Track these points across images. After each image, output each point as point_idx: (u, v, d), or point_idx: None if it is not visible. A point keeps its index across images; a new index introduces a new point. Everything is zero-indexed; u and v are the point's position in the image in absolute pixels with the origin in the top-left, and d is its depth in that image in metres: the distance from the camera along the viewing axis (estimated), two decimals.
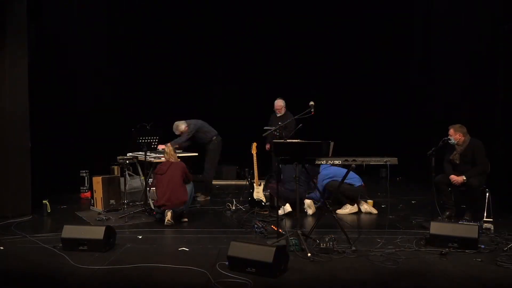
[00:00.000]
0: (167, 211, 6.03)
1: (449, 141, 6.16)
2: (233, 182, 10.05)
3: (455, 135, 6.18)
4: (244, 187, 7.67)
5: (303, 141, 5.83)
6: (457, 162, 6.23)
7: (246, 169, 10.56)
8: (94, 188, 7.10)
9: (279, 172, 5.76)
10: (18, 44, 6.51)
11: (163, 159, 6.81)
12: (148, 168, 6.93)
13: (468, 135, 6.21)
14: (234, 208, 7.05)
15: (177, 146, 7.17)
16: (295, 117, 5.99)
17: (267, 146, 8.16)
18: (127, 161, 6.92)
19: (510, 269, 4.37)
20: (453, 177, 6.10)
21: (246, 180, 7.27)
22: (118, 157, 6.92)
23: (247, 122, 10.35)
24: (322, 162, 5.34)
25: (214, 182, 10.03)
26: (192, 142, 7.90)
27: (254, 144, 7.20)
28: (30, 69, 6.70)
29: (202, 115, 10.95)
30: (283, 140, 5.65)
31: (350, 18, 10.90)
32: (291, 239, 4.88)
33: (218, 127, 11.14)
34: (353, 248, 4.90)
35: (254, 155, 7.15)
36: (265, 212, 6.73)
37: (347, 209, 6.84)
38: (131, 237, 5.46)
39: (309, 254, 4.62)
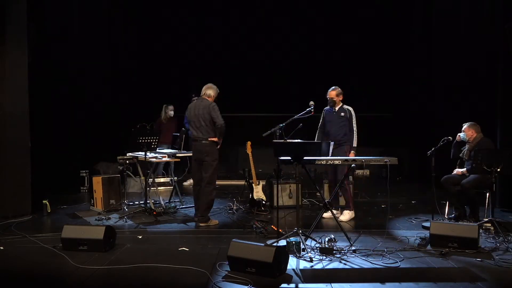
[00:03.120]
0: None
1: (461, 137, 6.16)
2: (233, 182, 10.05)
3: (468, 131, 6.15)
4: (242, 187, 7.66)
5: (303, 141, 5.83)
6: (466, 158, 6.16)
7: (246, 169, 10.57)
8: (94, 188, 7.10)
9: (279, 172, 5.75)
10: (18, 44, 6.51)
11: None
12: (148, 168, 6.93)
13: (481, 134, 6.18)
14: (234, 208, 7.05)
15: None
16: (295, 117, 5.98)
17: None
18: (127, 161, 6.91)
19: (510, 269, 4.37)
20: (457, 171, 6.16)
21: (245, 180, 7.25)
22: (118, 157, 6.92)
23: (246, 121, 10.39)
24: (322, 162, 5.34)
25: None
26: None
27: (249, 143, 7.17)
28: (30, 69, 6.69)
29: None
30: (283, 140, 5.64)
31: (351, 18, 10.91)
32: (291, 239, 4.88)
33: None
34: (353, 248, 4.90)
35: (250, 154, 7.12)
36: (264, 213, 6.72)
37: (347, 216, 6.48)
38: (131, 237, 5.47)
39: (309, 254, 4.63)
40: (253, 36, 11.01)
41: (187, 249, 4.96)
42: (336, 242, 4.88)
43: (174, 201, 7.36)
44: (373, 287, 4.04)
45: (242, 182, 9.89)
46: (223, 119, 5.94)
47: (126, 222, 6.21)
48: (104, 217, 6.40)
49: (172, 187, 7.91)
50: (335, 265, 4.49)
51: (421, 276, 4.23)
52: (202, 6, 11.02)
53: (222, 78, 11.14)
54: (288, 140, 5.54)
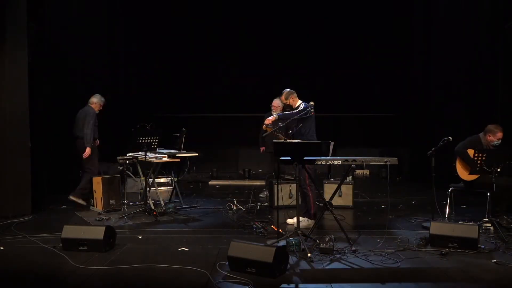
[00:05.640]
0: None
1: (496, 144, 5.96)
2: (233, 182, 10.05)
3: (501, 134, 5.97)
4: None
5: (303, 141, 5.83)
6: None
7: (246, 169, 10.59)
8: (94, 188, 7.10)
9: (279, 172, 5.75)
10: (18, 44, 6.50)
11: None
12: (148, 168, 6.93)
13: None
14: (234, 208, 7.06)
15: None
16: (295, 117, 5.98)
17: (262, 149, 7.84)
18: (127, 161, 6.91)
19: (510, 269, 4.37)
20: None
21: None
22: (118, 157, 6.92)
23: (245, 121, 10.40)
24: (322, 162, 5.34)
25: (215, 182, 10.05)
26: None
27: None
28: (30, 69, 6.69)
29: (202, 114, 11.06)
30: (283, 140, 5.64)
31: (351, 17, 10.92)
32: (291, 239, 4.89)
33: (218, 125, 11.23)
34: (353, 248, 4.90)
35: None
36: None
37: (304, 223, 5.92)
38: (131, 237, 5.47)
39: (309, 254, 4.63)
40: (253, 36, 11.02)
41: (187, 249, 4.97)
42: (336, 242, 4.88)
43: (174, 201, 7.37)
44: (373, 287, 4.05)
45: (242, 182, 9.94)
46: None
47: (126, 222, 6.21)
48: (104, 217, 6.41)
49: (172, 187, 7.91)
50: (335, 265, 4.49)
51: (421, 276, 4.23)
52: (202, 7, 11.02)
53: (222, 78, 11.22)
54: (288, 140, 5.54)
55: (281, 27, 10.95)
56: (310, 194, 5.96)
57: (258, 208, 7.01)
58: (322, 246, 4.80)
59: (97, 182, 7.03)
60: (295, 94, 6.15)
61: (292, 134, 5.81)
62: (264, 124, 5.95)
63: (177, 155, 7.06)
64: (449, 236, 4.92)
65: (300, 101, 6.12)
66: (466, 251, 4.80)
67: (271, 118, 5.82)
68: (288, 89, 6.17)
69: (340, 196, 7.11)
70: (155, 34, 10.98)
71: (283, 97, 6.18)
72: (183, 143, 7.64)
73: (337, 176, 7.91)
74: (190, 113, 10.85)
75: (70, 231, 4.92)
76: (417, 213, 6.74)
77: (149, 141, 6.50)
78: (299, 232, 4.99)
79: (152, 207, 6.60)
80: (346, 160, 5.31)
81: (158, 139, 6.61)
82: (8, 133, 6.45)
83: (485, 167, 5.53)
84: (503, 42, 7.34)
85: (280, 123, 5.84)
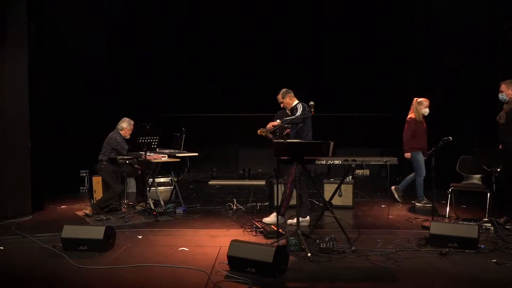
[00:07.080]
0: None
1: (500, 98, 5.80)
2: (233, 182, 10.06)
3: (507, 91, 5.81)
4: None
5: (303, 141, 5.83)
6: (502, 121, 5.80)
7: (246, 169, 10.60)
8: (94, 188, 7.10)
9: (279, 171, 5.76)
10: (18, 44, 6.51)
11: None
12: (148, 168, 6.93)
13: None
14: (234, 208, 7.06)
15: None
16: (295, 116, 5.98)
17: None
18: (127, 161, 6.91)
19: (510, 269, 4.37)
20: None
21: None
22: (118, 157, 6.92)
23: (245, 121, 10.38)
24: (322, 162, 5.34)
25: (214, 182, 10.06)
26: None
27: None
28: (30, 69, 6.69)
29: (202, 114, 11.07)
30: (283, 140, 5.64)
31: (350, 17, 10.93)
32: (291, 239, 4.89)
33: (218, 125, 11.24)
34: (353, 248, 4.90)
35: None
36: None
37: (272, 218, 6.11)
38: (131, 237, 5.47)
39: (309, 254, 4.63)
40: (252, 36, 11.03)
41: (187, 249, 4.97)
42: (336, 242, 4.88)
43: (175, 201, 7.36)
44: (373, 287, 4.05)
45: (242, 182, 9.95)
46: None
47: (126, 222, 6.21)
48: (104, 217, 6.41)
49: (172, 187, 7.91)
50: (335, 265, 4.49)
51: (421, 276, 4.23)
52: (202, 7, 11.03)
53: (222, 78, 11.22)
54: (288, 140, 5.54)
55: (280, 27, 10.96)
56: (288, 192, 6.01)
57: (258, 208, 7.02)
58: (322, 246, 4.80)
59: (97, 182, 7.04)
60: (292, 93, 6.22)
61: (288, 134, 5.80)
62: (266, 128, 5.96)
63: (177, 155, 7.07)
64: (449, 236, 4.92)
65: (297, 101, 6.17)
66: (466, 251, 4.80)
67: (274, 123, 5.88)
68: (284, 89, 6.24)
69: (340, 196, 7.11)
70: (155, 34, 10.99)
71: (280, 96, 6.25)
72: (183, 143, 7.65)
73: (337, 176, 7.91)
74: (190, 113, 10.86)
75: (70, 231, 4.92)
76: (417, 213, 6.74)
77: (149, 141, 6.50)
78: (299, 232, 4.99)
79: (152, 207, 6.60)
80: (346, 160, 5.31)
81: (158, 139, 6.61)
82: (8, 133, 6.46)
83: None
84: (503, 42, 7.33)
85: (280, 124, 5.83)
